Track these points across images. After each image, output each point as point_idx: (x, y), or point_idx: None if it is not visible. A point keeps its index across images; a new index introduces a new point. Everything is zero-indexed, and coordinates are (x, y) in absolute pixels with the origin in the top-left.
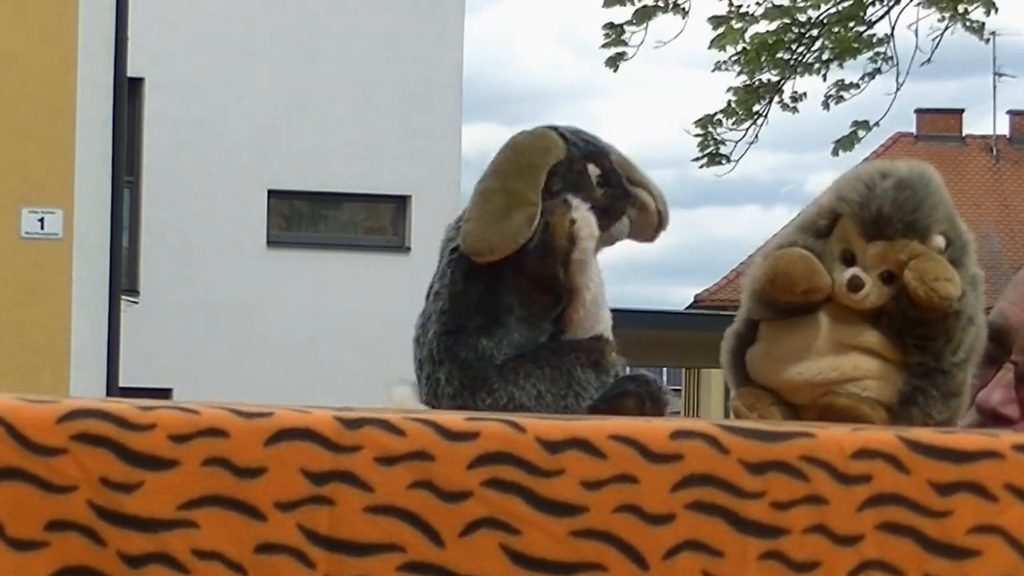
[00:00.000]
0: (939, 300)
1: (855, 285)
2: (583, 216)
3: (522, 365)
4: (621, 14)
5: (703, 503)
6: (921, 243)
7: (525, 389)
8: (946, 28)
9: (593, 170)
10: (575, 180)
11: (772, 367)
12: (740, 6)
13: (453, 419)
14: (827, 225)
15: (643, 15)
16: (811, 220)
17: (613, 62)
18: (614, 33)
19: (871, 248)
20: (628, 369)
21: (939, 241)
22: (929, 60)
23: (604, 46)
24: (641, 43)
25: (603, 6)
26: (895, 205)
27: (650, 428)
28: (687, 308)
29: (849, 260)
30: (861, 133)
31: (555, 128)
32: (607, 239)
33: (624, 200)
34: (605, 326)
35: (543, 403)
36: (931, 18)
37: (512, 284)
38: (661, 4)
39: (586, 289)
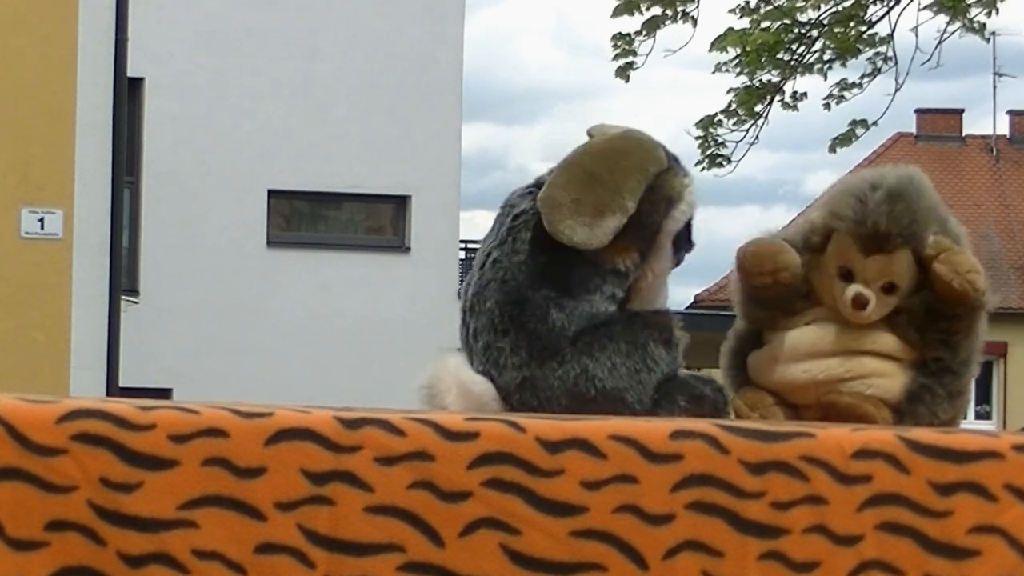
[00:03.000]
0: (973, 292)
1: (860, 303)
2: (693, 187)
3: (596, 338)
4: (629, 24)
5: (703, 503)
6: (918, 249)
7: (600, 361)
8: (948, 32)
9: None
10: (664, 188)
11: (776, 367)
12: (746, 4)
13: (453, 419)
14: (820, 242)
15: (652, 25)
16: (804, 237)
17: (623, 72)
18: (624, 43)
19: (870, 262)
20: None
21: (932, 244)
22: (937, 64)
23: (615, 58)
24: (650, 52)
25: (611, 16)
26: (891, 219)
27: (650, 428)
28: (687, 308)
29: (847, 276)
30: (859, 131)
31: (665, 148)
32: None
33: (688, 245)
34: (663, 302)
35: (617, 375)
36: (932, 20)
37: (588, 254)
38: (669, 13)
39: (659, 259)
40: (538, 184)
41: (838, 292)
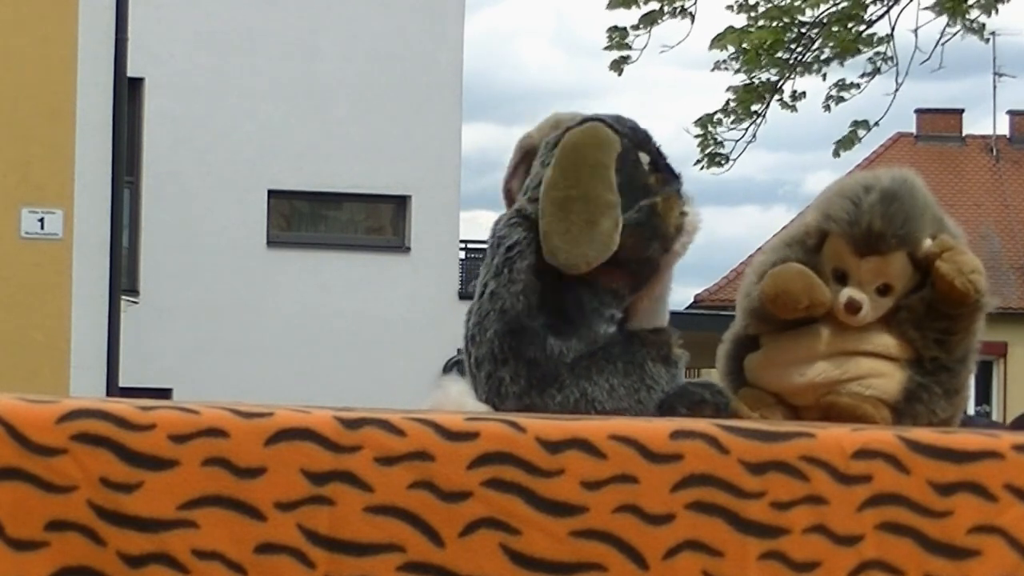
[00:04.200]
0: (974, 293)
1: (854, 307)
2: (694, 212)
3: (594, 361)
4: (625, 17)
5: (703, 503)
6: (913, 251)
7: (598, 384)
8: (950, 33)
9: (644, 157)
10: (630, 171)
11: (774, 372)
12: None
13: (453, 419)
14: (815, 244)
15: (649, 20)
16: (799, 238)
17: (617, 65)
18: (618, 36)
19: (864, 264)
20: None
21: (927, 245)
22: (940, 67)
23: (607, 48)
24: (645, 46)
25: (607, 8)
26: (885, 220)
27: (650, 428)
28: (687, 308)
29: (841, 278)
30: (861, 133)
31: (600, 119)
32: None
33: (676, 182)
34: (663, 320)
35: (616, 396)
36: (932, 19)
37: (582, 278)
38: (667, 9)
39: (658, 284)
40: (520, 213)
41: (832, 295)
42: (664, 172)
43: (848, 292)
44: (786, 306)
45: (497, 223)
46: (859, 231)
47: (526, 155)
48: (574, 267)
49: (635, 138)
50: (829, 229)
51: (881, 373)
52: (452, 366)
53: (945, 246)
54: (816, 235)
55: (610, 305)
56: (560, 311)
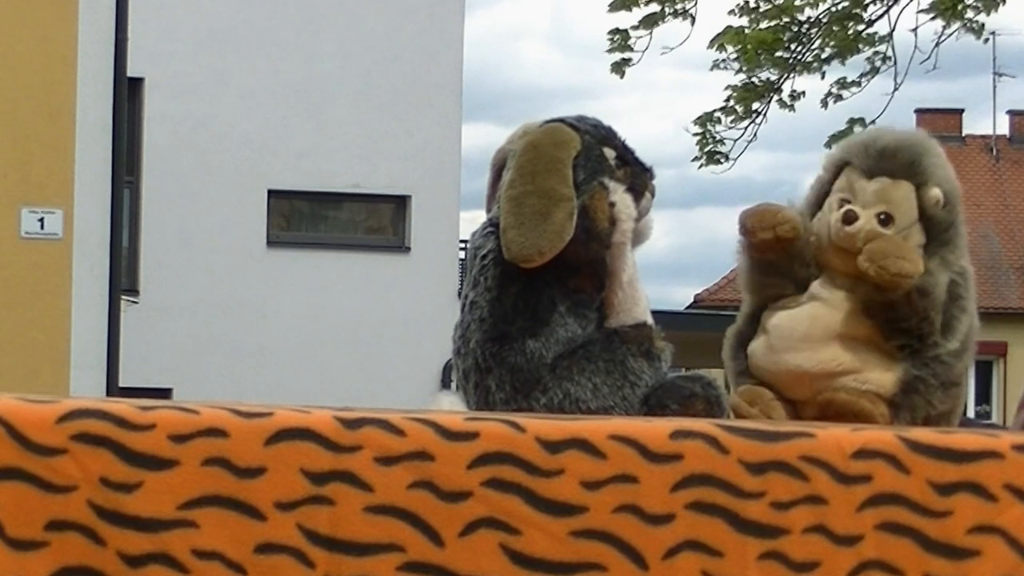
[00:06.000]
0: (890, 277)
1: (849, 218)
2: (622, 198)
3: (575, 361)
4: (626, 19)
5: (703, 503)
6: (920, 189)
7: (580, 383)
8: (948, 32)
9: (609, 153)
10: (595, 167)
11: (773, 357)
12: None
13: (453, 419)
14: (829, 178)
15: (650, 21)
16: (814, 183)
17: (619, 67)
18: (620, 38)
19: (871, 185)
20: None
21: (936, 192)
22: (935, 67)
23: (610, 51)
24: (647, 48)
25: (608, 11)
26: (900, 143)
27: (650, 428)
28: (687, 308)
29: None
30: (857, 129)
31: (562, 120)
32: (636, 216)
33: (644, 175)
34: (644, 309)
35: (600, 395)
36: (928, 20)
37: (553, 279)
38: (668, 10)
39: (622, 271)
40: (492, 222)
41: (834, 220)
42: (633, 165)
43: (847, 206)
44: (755, 226)
45: (474, 235)
46: (874, 150)
47: (500, 170)
48: (528, 259)
49: (597, 134)
50: (846, 156)
51: (877, 365)
52: (451, 367)
53: (868, 236)
54: (833, 167)
55: (582, 304)
56: (536, 314)
